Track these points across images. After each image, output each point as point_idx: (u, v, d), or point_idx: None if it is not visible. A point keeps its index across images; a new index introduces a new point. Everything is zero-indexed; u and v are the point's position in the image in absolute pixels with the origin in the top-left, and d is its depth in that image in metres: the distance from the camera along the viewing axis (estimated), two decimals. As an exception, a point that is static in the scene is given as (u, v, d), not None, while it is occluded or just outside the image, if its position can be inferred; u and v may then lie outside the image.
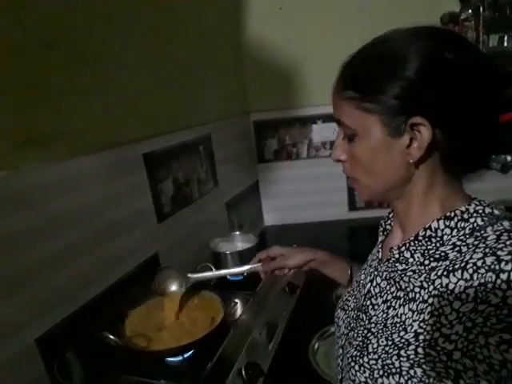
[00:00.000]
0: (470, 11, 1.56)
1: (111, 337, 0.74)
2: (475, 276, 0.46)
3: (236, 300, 1.04)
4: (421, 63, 0.49)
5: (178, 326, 0.86)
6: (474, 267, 0.46)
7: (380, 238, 0.70)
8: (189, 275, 0.89)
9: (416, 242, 0.55)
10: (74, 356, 0.76)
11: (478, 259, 0.47)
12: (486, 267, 0.45)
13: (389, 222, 0.70)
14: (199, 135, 1.33)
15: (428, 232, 0.54)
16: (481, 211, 0.52)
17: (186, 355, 0.81)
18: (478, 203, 0.53)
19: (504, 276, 0.43)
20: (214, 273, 0.92)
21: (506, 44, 1.68)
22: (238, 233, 1.26)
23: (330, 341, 1.02)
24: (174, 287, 0.89)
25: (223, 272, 0.90)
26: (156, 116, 1.11)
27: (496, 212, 0.52)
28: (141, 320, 0.87)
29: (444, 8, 1.61)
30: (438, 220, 0.53)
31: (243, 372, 0.80)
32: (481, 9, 1.53)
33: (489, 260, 0.45)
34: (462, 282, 0.47)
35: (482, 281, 0.45)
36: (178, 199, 1.19)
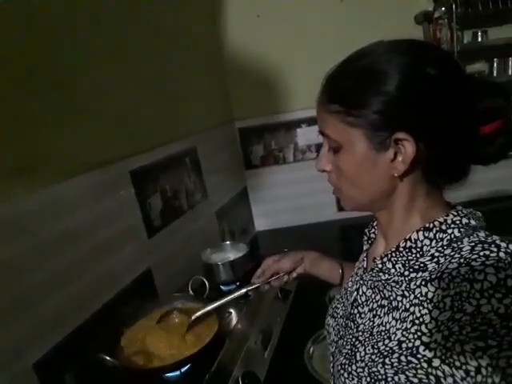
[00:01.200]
0: (443, 9, 1.60)
1: (107, 358, 0.75)
2: (451, 285, 0.47)
3: (230, 310, 1.05)
4: (402, 79, 0.50)
5: (174, 341, 0.86)
6: (450, 277, 0.48)
7: (365, 247, 0.71)
8: (192, 317, 0.88)
9: (397, 253, 0.56)
10: (72, 379, 0.77)
11: (453, 269, 0.48)
12: (461, 277, 0.46)
13: (373, 230, 0.71)
14: (185, 147, 1.35)
15: (408, 243, 0.55)
16: (458, 222, 0.53)
17: (183, 369, 0.82)
18: (455, 213, 0.55)
19: (477, 286, 0.44)
20: (214, 304, 0.88)
21: (479, 39, 1.73)
22: (228, 242, 1.28)
23: (325, 344, 1.04)
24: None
25: (223, 301, 0.87)
26: (140, 132, 1.12)
27: (472, 222, 0.54)
28: (137, 337, 0.88)
29: (418, 7, 1.65)
30: (417, 231, 0.55)
31: (240, 382, 0.81)
32: (453, 6, 1.56)
33: (463, 270, 0.47)
34: (439, 291, 0.48)
35: (458, 290, 0.46)
36: (168, 213, 1.20)
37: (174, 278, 1.15)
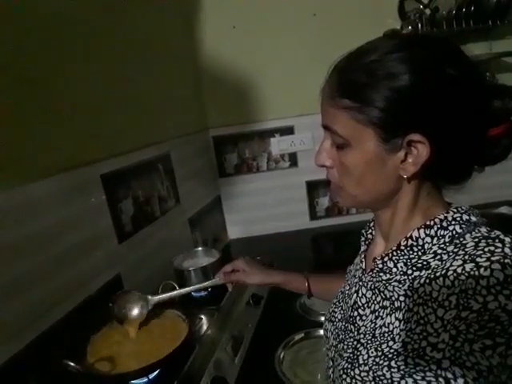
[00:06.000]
0: (409, 28, 1.67)
1: (72, 364, 0.73)
2: (456, 283, 0.46)
3: (201, 316, 1.04)
4: (419, 78, 0.48)
5: (141, 348, 0.85)
6: (455, 274, 0.47)
7: (362, 248, 0.69)
8: (149, 297, 0.88)
9: (398, 252, 0.55)
10: (33, 387, 0.74)
11: (458, 266, 0.47)
12: (466, 274, 0.45)
13: (370, 231, 0.69)
14: (158, 153, 1.34)
15: (409, 241, 0.54)
16: (459, 218, 0.53)
17: (151, 376, 0.80)
18: (455, 210, 0.54)
19: (483, 282, 0.44)
20: (175, 292, 0.91)
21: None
22: (200, 249, 1.27)
23: (295, 349, 1.05)
24: (135, 311, 0.88)
25: (185, 290, 0.90)
26: (113, 136, 1.11)
27: (473, 219, 0.53)
28: (103, 344, 0.85)
29: (387, 25, 1.72)
30: (418, 229, 0.54)
31: (209, 387, 0.81)
32: (419, 25, 1.64)
33: (468, 267, 0.46)
34: (444, 290, 0.47)
35: (463, 287, 0.45)
36: (139, 218, 1.19)
37: (144, 283, 1.13)
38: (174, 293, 0.91)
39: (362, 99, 0.51)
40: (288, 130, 1.83)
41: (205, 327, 1.00)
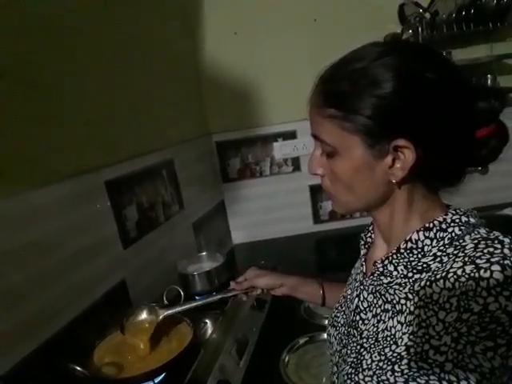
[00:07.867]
0: (410, 31, 1.68)
1: (78, 368, 0.73)
2: (457, 285, 0.46)
3: (206, 320, 1.04)
4: (400, 84, 0.49)
5: (147, 352, 0.85)
6: (455, 276, 0.47)
7: (362, 252, 0.69)
8: (160, 311, 0.86)
9: (398, 255, 0.55)
10: (40, 391, 0.74)
11: (458, 268, 0.47)
12: (466, 276, 0.46)
13: (369, 234, 0.70)
14: (162, 159, 1.35)
15: (409, 244, 0.54)
16: (457, 220, 0.53)
17: (156, 380, 0.81)
18: (454, 212, 0.54)
19: (484, 283, 0.44)
20: (186, 306, 0.88)
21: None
22: (204, 253, 1.28)
23: (300, 353, 1.05)
24: (144, 325, 0.86)
25: (196, 303, 0.88)
26: (117, 142, 1.12)
27: (472, 220, 0.53)
28: (109, 349, 0.86)
29: (387, 29, 1.73)
30: (417, 231, 0.54)
31: (215, 391, 0.81)
32: (419, 29, 1.65)
33: (468, 268, 0.46)
34: (445, 292, 0.47)
35: (464, 289, 0.45)
36: (144, 224, 1.20)
37: (149, 289, 1.14)
38: (185, 307, 0.88)
39: (346, 108, 0.52)
40: (290, 135, 1.84)
41: (209, 331, 1.00)
